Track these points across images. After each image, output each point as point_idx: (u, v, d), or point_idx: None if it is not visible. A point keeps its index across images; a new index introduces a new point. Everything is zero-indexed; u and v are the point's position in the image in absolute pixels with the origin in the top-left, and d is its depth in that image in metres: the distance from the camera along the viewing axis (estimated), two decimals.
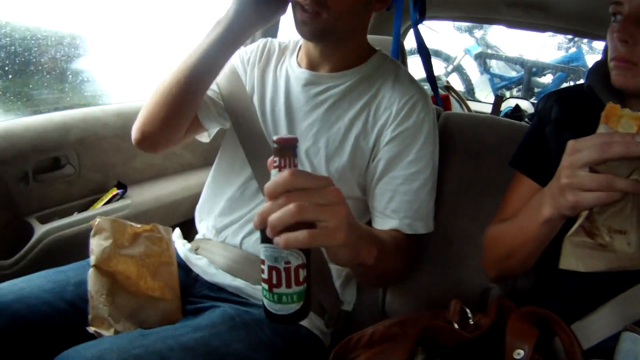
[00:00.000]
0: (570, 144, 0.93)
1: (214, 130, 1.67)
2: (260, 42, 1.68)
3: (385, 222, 1.41)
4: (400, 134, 1.42)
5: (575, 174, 0.91)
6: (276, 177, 0.83)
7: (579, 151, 0.91)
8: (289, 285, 0.87)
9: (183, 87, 1.39)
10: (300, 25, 1.37)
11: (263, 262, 0.88)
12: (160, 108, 1.43)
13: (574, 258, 0.96)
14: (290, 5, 1.38)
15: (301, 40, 1.60)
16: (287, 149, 0.85)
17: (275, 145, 0.85)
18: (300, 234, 0.81)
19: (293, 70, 1.56)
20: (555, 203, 0.98)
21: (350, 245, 0.91)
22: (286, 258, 0.86)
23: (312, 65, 1.53)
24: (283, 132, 1.50)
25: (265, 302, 0.90)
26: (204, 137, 1.68)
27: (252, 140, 1.51)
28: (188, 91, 1.40)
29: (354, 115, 1.46)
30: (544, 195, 1.04)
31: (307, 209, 0.81)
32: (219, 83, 1.59)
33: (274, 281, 0.87)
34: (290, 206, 0.80)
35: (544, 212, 1.02)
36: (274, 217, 0.81)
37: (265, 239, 0.86)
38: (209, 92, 1.54)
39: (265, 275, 0.88)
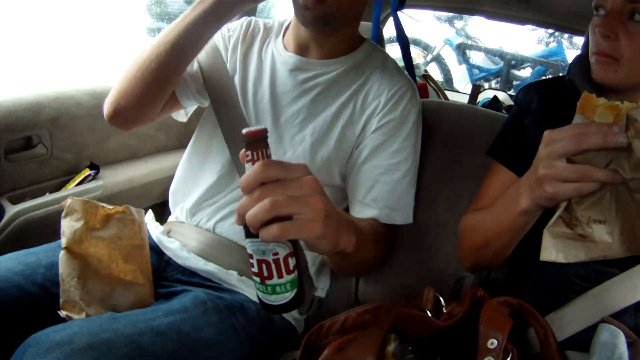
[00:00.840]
0: (547, 134, 0.94)
1: (192, 108, 1.62)
2: (244, 20, 1.63)
3: (363, 210, 1.40)
4: (386, 123, 1.42)
5: (552, 165, 0.91)
6: (249, 170, 0.82)
7: (555, 142, 0.91)
8: (280, 276, 0.87)
9: (163, 62, 1.32)
10: (302, 10, 1.33)
11: (251, 256, 0.88)
12: (137, 83, 1.36)
13: (555, 249, 0.96)
14: None
15: (287, 22, 1.58)
16: (258, 141, 0.84)
17: (245, 139, 0.84)
18: (275, 228, 0.80)
19: (280, 53, 1.53)
20: (533, 194, 0.98)
21: (329, 236, 0.90)
22: (273, 249, 0.86)
23: (300, 50, 1.50)
24: (266, 117, 1.47)
25: (260, 294, 0.90)
26: (181, 116, 1.63)
27: (231, 122, 1.47)
28: (168, 66, 1.34)
29: (341, 104, 1.45)
30: (521, 186, 1.04)
31: (281, 203, 0.80)
32: (199, 59, 1.54)
33: (265, 273, 0.87)
34: (265, 202, 0.79)
35: (521, 203, 1.03)
36: (250, 214, 0.80)
37: (249, 234, 0.86)
38: (188, 68, 1.49)
39: (255, 269, 0.88)
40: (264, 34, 1.59)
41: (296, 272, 0.89)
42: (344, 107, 1.45)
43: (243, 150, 0.85)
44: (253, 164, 0.83)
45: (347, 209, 1.48)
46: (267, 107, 1.48)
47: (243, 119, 1.47)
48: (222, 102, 1.50)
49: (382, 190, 1.40)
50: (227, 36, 1.60)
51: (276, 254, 0.86)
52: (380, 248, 1.39)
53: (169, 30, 1.32)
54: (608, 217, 0.92)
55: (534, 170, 0.97)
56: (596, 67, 1.18)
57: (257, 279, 0.88)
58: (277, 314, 0.96)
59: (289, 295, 0.89)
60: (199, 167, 1.57)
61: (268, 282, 0.88)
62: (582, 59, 1.31)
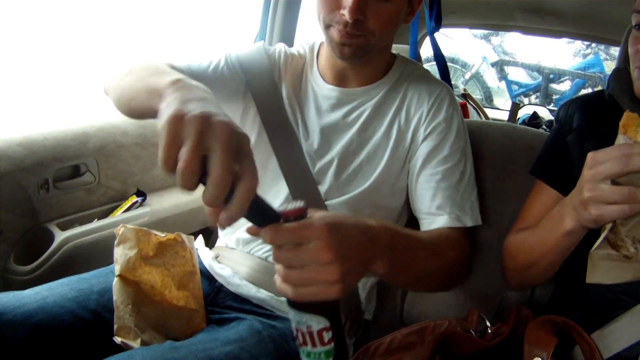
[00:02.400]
0: (590, 156, 0.93)
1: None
2: (281, 49, 1.60)
3: (433, 221, 1.40)
4: (433, 129, 1.43)
5: (597, 187, 0.91)
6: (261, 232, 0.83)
7: (599, 164, 0.91)
8: (314, 345, 0.88)
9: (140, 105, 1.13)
10: (339, 47, 1.34)
11: (291, 320, 0.89)
12: (128, 104, 1.22)
13: (600, 271, 0.95)
14: (322, 25, 1.36)
15: (316, 47, 1.57)
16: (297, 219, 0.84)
17: (284, 218, 0.83)
18: (290, 290, 0.84)
19: (319, 87, 1.52)
20: (578, 216, 0.98)
21: (351, 284, 0.90)
22: (307, 322, 0.86)
23: (339, 80, 1.50)
24: (320, 153, 1.46)
25: (300, 353, 0.91)
26: None
27: (290, 157, 1.46)
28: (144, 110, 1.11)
29: (388, 123, 1.45)
30: (565, 207, 1.04)
31: (295, 280, 0.83)
32: (240, 58, 1.53)
33: (300, 340, 0.89)
34: (282, 277, 0.83)
35: (566, 224, 1.03)
36: (279, 286, 0.85)
37: (288, 302, 0.88)
38: (222, 65, 1.50)
39: (294, 333, 0.89)
40: (298, 65, 1.57)
41: (332, 344, 0.88)
42: (391, 126, 1.46)
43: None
44: None
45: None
46: (317, 143, 1.47)
47: (303, 156, 1.46)
48: (278, 132, 1.47)
49: (444, 196, 1.40)
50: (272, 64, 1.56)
51: (310, 326, 0.86)
52: (452, 257, 1.35)
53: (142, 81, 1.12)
54: None
55: (579, 192, 0.96)
56: (638, 85, 1.17)
57: (296, 341, 0.90)
58: None
59: None
60: None
61: (303, 347, 0.89)
62: (620, 72, 1.30)
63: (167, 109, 0.78)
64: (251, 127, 1.50)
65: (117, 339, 1.27)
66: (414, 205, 1.46)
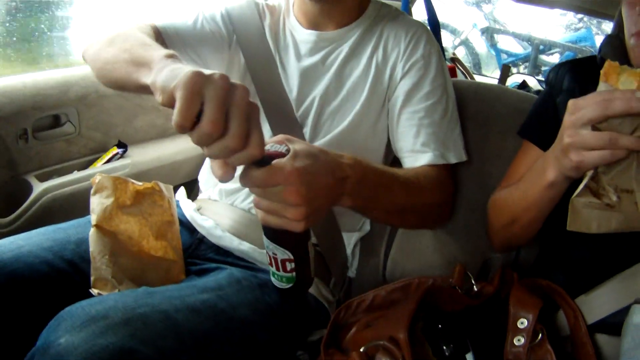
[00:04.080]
0: (571, 102, 0.93)
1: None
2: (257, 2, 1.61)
3: (417, 159, 1.41)
4: (411, 66, 1.45)
5: (577, 133, 0.90)
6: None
7: (580, 109, 0.90)
8: (277, 269, 0.99)
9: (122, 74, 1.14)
10: None
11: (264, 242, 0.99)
12: (112, 74, 1.22)
13: (582, 219, 0.95)
14: None
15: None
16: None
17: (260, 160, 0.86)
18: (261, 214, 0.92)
19: (297, 32, 1.55)
20: (559, 165, 0.98)
21: (317, 218, 0.95)
22: (274, 250, 0.97)
23: (314, 24, 1.52)
24: (301, 94, 1.50)
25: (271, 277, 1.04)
26: None
27: (273, 100, 1.48)
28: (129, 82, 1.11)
29: (366, 62, 1.48)
30: (547, 158, 1.03)
31: (267, 217, 0.91)
32: (229, 9, 1.56)
33: (267, 260, 1.00)
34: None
35: (548, 175, 1.02)
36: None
37: (262, 225, 0.96)
38: (209, 18, 1.52)
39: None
40: (277, 13, 1.60)
41: (294, 274, 0.99)
42: (369, 64, 1.48)
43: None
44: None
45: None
46: (297, 87, 1.50)
47: (286, 101, 1.48)
48: (262, 75, 1.50)
49: (427, 133, 1.41)
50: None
51: (275, 255, 0.97)
52: (440, 193, 1.40)
53: (129, 52, 1.13)
54: (635, 186, 0.91)
55: (560, 140, 0.96)
56: (636, 50, 1.15)
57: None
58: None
59: (286, 285, 1.01)
60: None
61: (270, 266, 1.01)
62: (612, 38, 1.28)
63: (176, 73, 0.82)
64: (236, 76, 1.53)
65: (94, 291, 1.24)
66: (396, 144, 1.48)
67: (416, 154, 1.41)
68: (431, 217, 1.43)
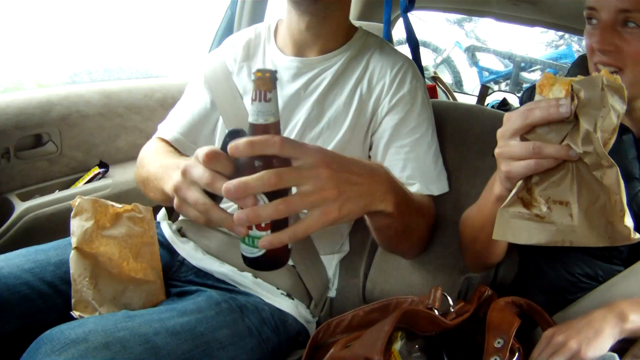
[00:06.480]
0: (505, 115, 0.95)
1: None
2: (234, 39, 1.66)
3: None
4: (398, 101, 1.45)
5: (505, 144, 0.92)
6: (264, 137, 0.83)
7: (508, 121, 0.92)
8: (250, 228, 0.87)
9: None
10: None
11: None
12: (150, 195, 1.42)
13: (509, 230, 0.95)
14: None
15: (273, 25, 1.61)
16: (267, 80, 0.85)
17: (255, 76, 0.85)
18: (288, 232, 0.87)
19: (279, 59, 1.55)
20: (498, 177, 0.99)
21: (351, 212, 0.93)
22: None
23: (299, 50, 1.53)
24: (283, 123, 1.45)
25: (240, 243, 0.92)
26: None
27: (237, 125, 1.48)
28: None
29: (349, 92, 1.48)
30: (496, 173, 1.04)
31: (295, 204, 0.86)
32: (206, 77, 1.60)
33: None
34: (280, 204, 0.84)
35: (495, 189, 1.03)
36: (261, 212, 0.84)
37: None
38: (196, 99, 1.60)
39: None
40: (254, 45, 1.61)
41: (268, 231, 0.87)
42: (352, 94, 1.48)
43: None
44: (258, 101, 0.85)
45: None
46: (282, 113, 1.47)
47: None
48: (230, 112, 1.54)
49: (413, 167, 1.42)
50: (231, 59, 1.61)
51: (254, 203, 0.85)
52: (427, 219, 1.40)
53: (146, 170, 1.40)
54: (571, 198, 0.91)
55: None
56: (590, 60, 1.18)
57: None
58: (253, 269, 0.96)
59: (257, 252, 0.89)
60: None
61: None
62: (583, 60, 1.31)
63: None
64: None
65: (75, 314, 1.25)
66: None
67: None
68: (419, 241, 1.44)
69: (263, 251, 0.89)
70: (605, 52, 1.12)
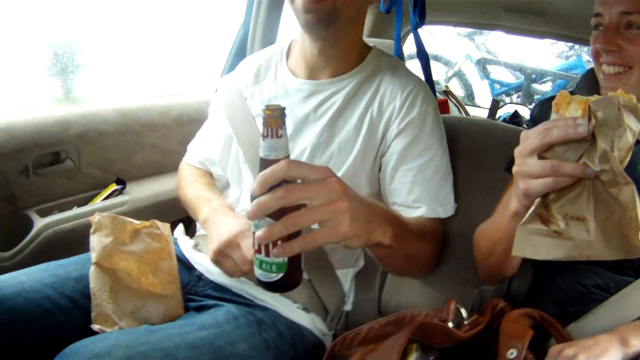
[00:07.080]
0: (522, 133, 0.95)
1: None
2: (246, 63, 1.69)
3: (410, 213, 1.42)
4: (407, 125, 1.43)
5: (524, 162, 0.93)
6: (273, 166, 0.84)
7: (526, 139, 0.93)
8: (267, 255, 0.89)
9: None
10: (304, 14, 1.35)
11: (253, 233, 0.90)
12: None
13: (529, 246, 0.96)
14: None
15: (286, 47, 1.62)
16: (276, 117, 0.86)
17: (265, 114, 0.86)
18: (297, 243, 0.85)
19: (290, 81, 1.55)
20: (515, 194, 1.00)
21: (359, 235, 0.92)
22: (264, 226, 0.86)
23: (310, 73, 1.52)
24: (294, 145, 1.49)
25: (254, 267, 0.93)
26: None
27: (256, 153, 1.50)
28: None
29: (360, 115, 1.46)
30: (512, 189, 1.05)
31: (305, 216, 0.85)
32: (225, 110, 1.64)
33: (256, 247, 0.90)
34: (288, 222, 0.84)
35: (512, 204, 1.04)
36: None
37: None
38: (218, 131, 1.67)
39: (252, 240, 0.91)
40: (265, 67, 1.62)
41: (285, 259, 0.89)
42: (363, 117, 1.46)
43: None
44: (264, 138, 0.86)
45: None
46: (292, 136, 1.49)
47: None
48: (245, 137, 1.56)
49: (421, 190, 1.42)
50: (244, 85, 1.63)
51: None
52: (431, 244, 1.40)
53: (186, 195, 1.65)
54: (587, 214, 0.92)
55: None
56: (605, 84, 1.20)
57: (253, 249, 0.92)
58: (269, 291, 0.96)
59: (274, 276, 0.91)
60: (225, 187, 1.64)
61: (257, 255, 0.91)
62: (591, 73, 1.32)
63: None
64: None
65: (95, 327, 1.26)
66: (388, 197, 1.48)
67: (409, 209, 1.42)
68: (425, 264, 1.44)
69: (280, 276, 0.90)
70: (609, 52, 1.15)
